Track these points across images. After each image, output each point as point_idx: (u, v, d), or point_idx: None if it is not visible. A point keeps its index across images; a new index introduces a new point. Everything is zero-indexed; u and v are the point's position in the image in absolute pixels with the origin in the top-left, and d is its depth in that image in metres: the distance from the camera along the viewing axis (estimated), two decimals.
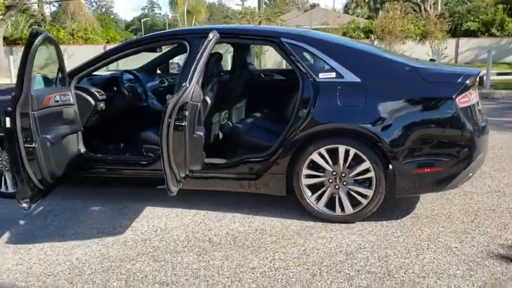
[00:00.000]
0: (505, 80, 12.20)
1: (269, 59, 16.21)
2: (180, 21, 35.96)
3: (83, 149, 3.67)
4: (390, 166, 3.18)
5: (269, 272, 2.63)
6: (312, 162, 3.26)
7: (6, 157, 3.82)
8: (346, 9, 44.73)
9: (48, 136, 3.12)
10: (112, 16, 63.57)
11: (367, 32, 22.12)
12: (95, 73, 4.02)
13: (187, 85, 2.80)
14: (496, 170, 4.47)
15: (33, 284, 2.57)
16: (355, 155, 3.16)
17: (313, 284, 2.49)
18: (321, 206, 3.30)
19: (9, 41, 23.89)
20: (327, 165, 3.23)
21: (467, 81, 3.12)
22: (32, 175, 3.02)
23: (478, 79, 11.35)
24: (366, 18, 31.12)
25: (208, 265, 2.72)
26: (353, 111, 3.17)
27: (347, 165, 3.20)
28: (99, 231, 3.24)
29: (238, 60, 4.43)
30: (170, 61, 5.37)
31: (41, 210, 3.66)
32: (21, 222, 3.46)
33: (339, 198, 3.25)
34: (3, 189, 3.95)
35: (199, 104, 2.95)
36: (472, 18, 25.07)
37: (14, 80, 11.30)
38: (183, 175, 2.98)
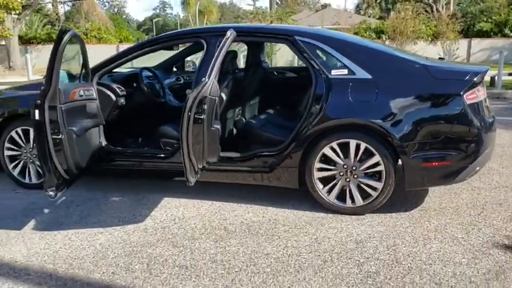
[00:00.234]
0: None
1: (280, 57, 16.34)
2: (191, 21, 36.18)
3: (104, 142, 3.85)
4: (399, 160, 3.30)
5: (282, 257, 2.77)
6: (324, 156, 3.39)
7: (30, 150, 4.03)
8: (358, 9, 44.67)
9: (73, 128, 3.30)
10: (124, 16, 64.16)
11: (379, 33, 22.16)
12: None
13: (207, 80, 2.94)
14: (505, 166, 4.56)
15: (61, 266, 2.74)
16: (366, 149, 3.28)
17: (325, 269, 2.62)
18: (332, 198, 3.43)
19: (24, 40, 24.35)
20: (338, 158, 3.36)
21: (475, 79, 3.22)
22: (58, 165, 3.19)
23: (489, 79, 11.39)
24: (377, 19, 31.10)
25: (224, 251, 2.87)
26: (364, 106, 3.30)
27: (358, 158, 3.32)
28: (120, 219, 3.41)
29: (252, 58, 4.57)
30: (186, 59, 5.55)
31: (64, 200, 3.83)
32: (46, 211, 3.64)
33: (350, 190, 3.38)
34: (27, 181, 4.13)
35: (217, 98, 3.09)
36: (484, 19, 24.96)
37: (32, 78, 11.55)
38: (201, 166, 3.12)
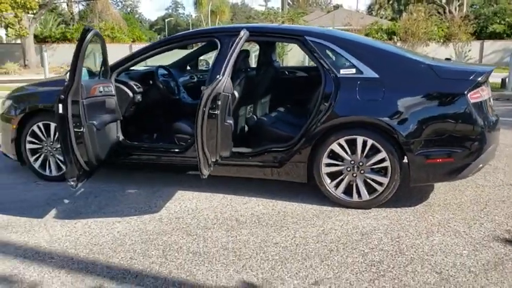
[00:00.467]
0: None
1: (292, 57, 16.47)
2: (203, 21, 36.47)
3: (121, 137, 4.03)
4: (405, 157, 3.42)
5: (290, 247, 2.92)
6: (332, 151, 3.52)
7: (51, 143, 4.22)
8: (370, 10, 44.59)
9: (94, 122, 3.48)
10: (137, 16, 64.73)
11: (390, 34, 22.16)
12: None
13: (221, 78, 3.09)
14: (510, 166, 4.65)
15: (82, 251, 2.91)
16: (372, 145, 3.41)
17: (331, 258, 2.76)
18: (339, 193, 3.56)
19: (39, 39, 24.80)
20: (345, 154, 3.49)
21: (479, 78, 3.33)
22: (80, 157, 3.37)
23: (500, 81, 11.38)
24: (389, 20, 31.05)
25: (235, 239, 3.02)
26: (371, 105, 3.43)
27: (364, 155, 3.45)
28: (137, 210, 3.58)
29: (264, 58, 4.71)
30: (199, 58, 5.72)
31: (83, 191, 4.02)
32: (66, 201, 3.82)
33: (356, 185, 3.51)
34: (47, 173, 4.33)
35: (230, 95, 3.24)
36: (498, 21, 24.80)
37: (48, 76, 11.82)
38: (214, 160, 3.28)
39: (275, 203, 3.67)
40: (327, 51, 3.64)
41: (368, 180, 3.49)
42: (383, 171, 3.46)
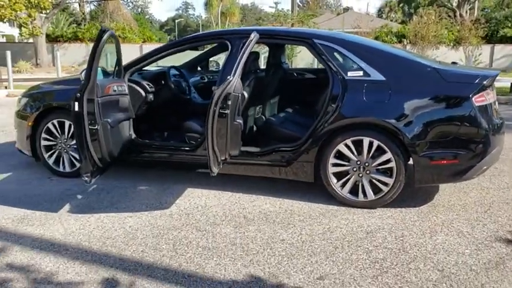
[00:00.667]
0: None
1: (301, 60, 16.56)
2: (213, 23, 36.67)
3: (133, 135, 4.14)
4: (410, 158, 3.49)
5: (297, 243, 3.00)
6: (339, 152, 3.61)
7: (65, 140, 4.35)
8: (380, 13, 44.56)
9: (108, 120, 3.60)
10: (147, 16, 65.20)
11: (400, 37, 22.16)
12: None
13: (231, 78, 3.19)
14: None
15: (95, 244, 3.02)
16: (378, 146, 3.49)
17: (335, 254, 2.85)
18: (345, 192, 3.64)
19: (51, 38, 25.10)
20: (352, 155, 3.57)
21: (484, 82, 3.40)
22: (94, 153, 3.49)
23: (510, 86, 11.37)
24: (399, 23, 31.00)
25: (243, 235, 3.12)
26: (377, 106, 3.51)
27: (370, 155, 3.53)
28: (148, 206, 3.68)
29: (273, 59, 4.79)
30: (210, 59, 5.83)
31: (95, 188, 4.13)
32: (79, 196, 3.94)
33: (362, 185, 3.59)
34: (60, 169, 4.45)
35: (240, 95, 3.34)
36: (509, 25, 24.69)
37: (61, 75, 12.02)
38: (223, 158, 3.38)
39: (282, 202, 3.75)
40: (335, 53, 3.73)
41: (373, 180, 3.56)
42: (388, 172, 3.54)
